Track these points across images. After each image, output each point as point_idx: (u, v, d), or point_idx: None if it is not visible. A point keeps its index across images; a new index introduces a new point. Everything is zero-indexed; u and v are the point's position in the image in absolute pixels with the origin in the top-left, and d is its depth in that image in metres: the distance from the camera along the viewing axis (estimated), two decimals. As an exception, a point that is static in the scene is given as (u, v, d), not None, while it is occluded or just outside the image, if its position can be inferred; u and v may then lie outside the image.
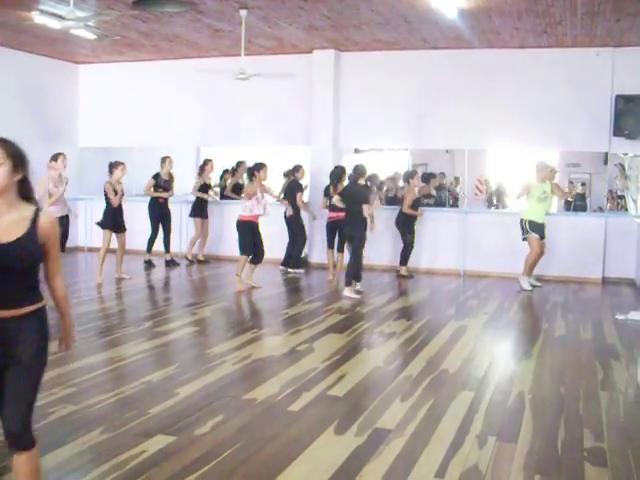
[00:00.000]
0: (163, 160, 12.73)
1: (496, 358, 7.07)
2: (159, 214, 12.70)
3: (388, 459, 4.26)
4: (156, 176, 12.62)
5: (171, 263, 12.86)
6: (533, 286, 11.01)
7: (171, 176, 12.78)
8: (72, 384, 5.56)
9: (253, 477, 4.02)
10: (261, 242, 10.41)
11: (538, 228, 10.81)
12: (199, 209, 13.40)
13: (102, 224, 10.81)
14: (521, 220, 10.89)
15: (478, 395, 5.59)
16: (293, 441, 4.57)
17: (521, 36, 11.31)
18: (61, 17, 8.37)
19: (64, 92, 14.75)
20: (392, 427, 4.81)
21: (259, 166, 10.51)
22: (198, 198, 13.36)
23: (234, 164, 14.38)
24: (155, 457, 4.19)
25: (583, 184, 15.28)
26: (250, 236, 10.32)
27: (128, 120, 14.52)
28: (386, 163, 17.80)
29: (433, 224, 12.84)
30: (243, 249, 10.34)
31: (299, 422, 4.95)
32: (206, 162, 13.42)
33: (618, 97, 11.52)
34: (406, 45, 12.33)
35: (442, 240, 12.69)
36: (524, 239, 10.90)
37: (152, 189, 12.61)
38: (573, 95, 11.89)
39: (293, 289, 11.13)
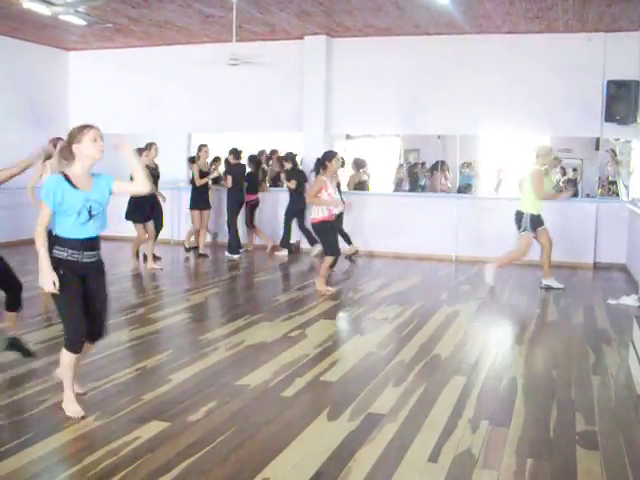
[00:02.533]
0: (149, 147, 11.09)
1: (488, 343, 7.08)
2: (149, 206, 10.97)
3: (381, 444, 4.27)
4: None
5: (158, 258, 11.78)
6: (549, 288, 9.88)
7: (156, 165, 11.28)
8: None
9: (247, 462, 4.03)
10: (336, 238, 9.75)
11: (539, 220, 9.68)
12: (198, 200, 12.44)
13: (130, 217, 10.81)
14: (520, 213, 9.64)
15: (470, 380, 5.62)
16: (286, 426, 4.58)
17: (513, 21, 11.30)
18: (50, 3, 8.32)
19: (54, 79, 14.69)
20: (385, 412, 4.83)
21: (330, 155, 9.32)
22: (197, 188, 12.36)
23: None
24: (149, 443, 4.20)
25: (574, 169, 15.31)
26: (332, 234, 9.48)
27: (119, 106, 14.47)
28: (378, 149, 17.81)
29: (425, 209, 12.88)
30: (329, 249, 9.39)
31: (292, 408, 4.96)
32: (200, 147, 12.44)
33: (610, 82, 11.53)
34: (398, 31, 12.31)
35: (434, 225, 12.70)
36: (523, 232, 9.66)
37: None
38: (565, 80, 11.90)
39: (285, 275, 11.15)
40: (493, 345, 7.03)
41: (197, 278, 11.08)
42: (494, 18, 11.14)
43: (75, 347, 4.57)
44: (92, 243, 4.57)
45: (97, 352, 6.20)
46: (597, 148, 13.46)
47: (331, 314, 8.16)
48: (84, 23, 10.28)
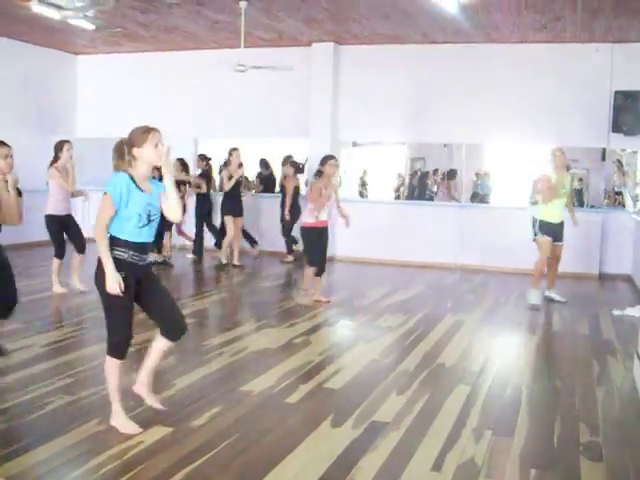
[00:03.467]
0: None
1: (493, 352, 7.06)
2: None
3: (385, 452, 4.27)
4: None
5: (162, 264, 11.46)
6: (551, 300, 9.55)
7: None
8: (69, 375, 5.56)
9: (250, 468, 4.03)
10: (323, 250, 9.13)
11: (550, 229, 9.16)
12: (231, 206, 12.00)
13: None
14: (532, 219, 9.33)
15: (474, 389, 5.60)
16: (290, 433, 4.57)
17: (521, 31, 11.31)
18: (59, 7, 8.35)
19: (62, 82, 14.74)
20: (389, 420, 4.82)
21: (324, 160, 9.06)
22: (228, 194, 11.92)
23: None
24: (152, 448, 4.20)
25: (580, 179, 15.28)
26: (315, 243, 8.98)
27: (126, 111, 14.47)
28: (384, 156, 17.82)
29: (430, 217, 12.90)
30: (309, 259, 9.09)
31: (296, 414, 4.96)
32: (231, 151, 11.92)
33: (617, 93, 11.53)
34: (405, 39, 12.32)
35: (439, 234, 12.70)
36: (533, 241, 9.36)
37: None
38: (572, 90, 11.90)
39: (289, 281, 11.15)
40: (497, 354, 7.01)
41: (200, 284, 11.08)
42: (502, 28, 11.16)
43: (120, 351, 4.45)
44: (146, 247, 4.51)
45: (100, 356, 6.21)
46: (603, 159, 13.44)
47: (335, 321, 8.16)
48: (93, 27, 10.30)
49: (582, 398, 5.49)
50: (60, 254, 8.96)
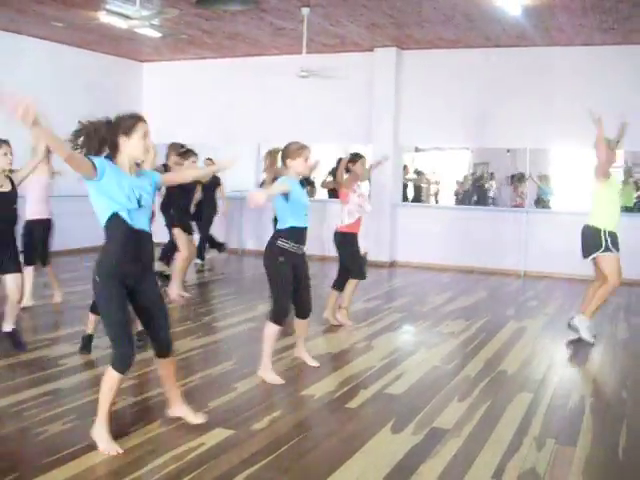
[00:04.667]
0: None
1: (556, 360, 6.95)
2: None
3: (445, 459, 4.24)
4: None
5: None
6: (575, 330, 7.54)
7: None
8: (132, 377, 5.64)
9: (310, 472, 4.04)
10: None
11: (617, 242, 7.34)
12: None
13: None
14: (596, 230, 7.31)
15: (537, 397, 5.53)
16: (350, 438, 4.58)
17: (586, 33, 11.12)
18: (127, 16, 8.52)
19: (128, 90, 15.03)
20: (449, 427, 4.78)
21: (356, 157, 8.09)
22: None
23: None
24: (213, 450, 4.25)
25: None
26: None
27: (190, 117, 14.72)
28: (447, 161, 17.75)
29: (491, 222, 12.79)
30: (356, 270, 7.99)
31: (356, 419, 4.96)
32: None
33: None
34: (468, 43, 12.23)
35: (502, 239, 12.56)
36: (593, 258, 7.39)
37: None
38: (639, 94, 11.62)
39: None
40: (560, 362, 6.90)
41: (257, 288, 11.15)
42: (567, 30, 10.98)
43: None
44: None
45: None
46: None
47: (397, 327, 8.14)
48: (159, 35, 10.48)
49: (649, 408, 5.37)
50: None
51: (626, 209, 14.26)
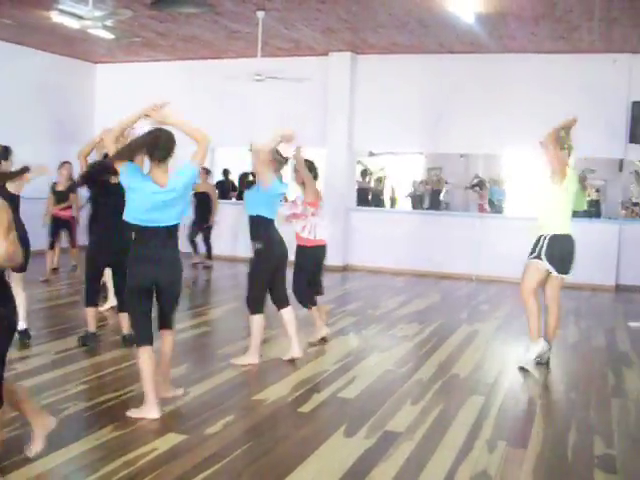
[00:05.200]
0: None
1: (507, 363, 7.02)
2: None
3: (397, 462, 4.26)
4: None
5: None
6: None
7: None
8: (84, 382, 5.59)
9: (263, 477, 4.04)
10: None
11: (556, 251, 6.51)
12: None
13: None
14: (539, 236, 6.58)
15: (488, 400, 5.59)
16: (303, 442, 4.58)
17: (538, 41, 11.29)
18: (79, 17, 8.42)
19: (81, 91, 14.85)
20: (402, 430, 4.81)
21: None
22: None
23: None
24: (166, 455, 4.21)
25: (597, 190, 15.24)
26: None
27: (144, 120, 14.56)
28: (401, 166, 17.85)
29: (444, 227, 12.90)
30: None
31: (309, 423, 4.97)
32: None
33: (635, 104, 11.47)
34: (422, 49, 12.34)
35: (455, 244, 12.67)
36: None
37: None
38: (589, 101, 11.82)
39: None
40: (512, 365, 6.96)
41: (213, 293, 11.10)
42: (519, 38, 11.15)
43: None
44: None
45: (115, 364, 6.25)
46: (621, 169, 13.41)
47: (350, 330, 8.16)
48: (112, 37, 10.36)
49: (597, 410, 5.46)
50: None
51: (577, 214, 14.50)
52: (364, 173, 16.33)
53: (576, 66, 11.94)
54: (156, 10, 9.85)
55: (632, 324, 8.84)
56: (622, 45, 11.21)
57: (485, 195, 15.47)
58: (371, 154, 17.00)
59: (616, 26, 10.08)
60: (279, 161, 6.44)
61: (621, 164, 13.28)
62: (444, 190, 17.25)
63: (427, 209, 16.16)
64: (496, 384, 6.08)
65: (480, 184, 15.56)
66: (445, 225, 13.11)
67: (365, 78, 13.17)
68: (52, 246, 10.75)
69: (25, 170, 6.34)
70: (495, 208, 15.65)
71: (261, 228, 6.28)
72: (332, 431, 4.75)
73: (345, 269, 13.17)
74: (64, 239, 11.07)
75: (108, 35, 10.08)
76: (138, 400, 5.15)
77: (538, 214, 6.76)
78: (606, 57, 11.73)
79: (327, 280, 11.89)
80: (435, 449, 4.48)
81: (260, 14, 10.07)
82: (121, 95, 14.77)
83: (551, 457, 4.46)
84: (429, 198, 17.09)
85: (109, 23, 9.15)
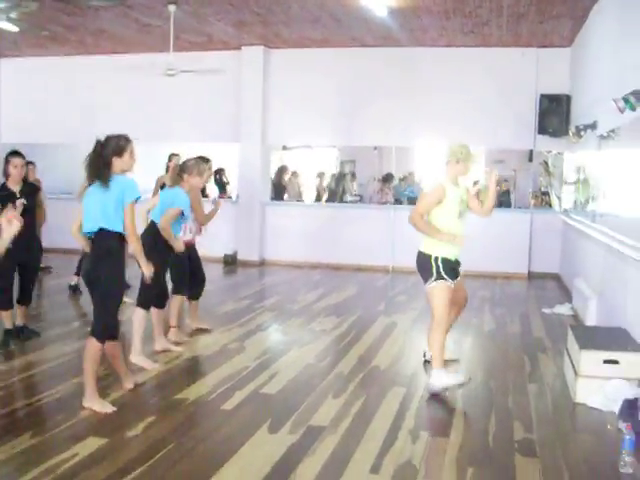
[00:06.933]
0: (170, 159, 9.71)
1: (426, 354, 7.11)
2: None
3: (323, 456, 4.26)
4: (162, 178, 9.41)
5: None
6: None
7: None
8: (-3, 387, 5.40)
9: (187, 477, 3.98)
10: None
11: (452, 268, 5.93)
12: None
13: None
14: (427, 257, 6.01)
15: (409, 391, 5.65)
16: (227, 440, 4.54)
17: (449, 35, 11.47)
18: (-18, 9, 8.13)
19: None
20: (326, 424, 4.82)
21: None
22: None
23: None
24: (87, 460, 4.10)
25: (506, 180, 15.53)
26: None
27: (53, 116, 14.18)
28: (315, 160, 17.87)
29: (362, 220, 12.99)
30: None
31: (232, 421, 4.92)
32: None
33: (542, 96, 11.77)
34: (335, 43, 12.36)
35: (371, 236, 12.77)
36: (430, 285, 5.89)
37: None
38: (499, 93, 12.12)
39: (222, 287, 11.06)
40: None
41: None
42: (430, 32, 11.29)
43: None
44: None
45: (28, 368, 6.07)
46: (530, 160, 13.75)
47: (269, 326, 8.14)
48: (16, 30, 10.03)
49: (515, 396, 5.58)
50: None
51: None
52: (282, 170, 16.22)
53: (486, 59, 12.17)
54: (63, 2, 9.58)
55: (545, 310, 9.07)
56: (530, 39, 11.49)
57: (387, 190, 15.50)
58: (284, 148, 16.95)
59: (524, 21, 10.32)
60: None
61: (530, 155, 13.62)
62: (354, 184, 17.26)
63: (339, 202, 16.19)
64: (416, 375, 6.15)
65: (385, 179, 15.63)
66: (359, 217, 13.19)
67: (278, 72, 13.13)
68: None
69: None
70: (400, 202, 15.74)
71: None
72: (255, 428, 4.72)
73: (261, 264, 13.12)
74: None
75: (12, 28, 9.76)
76: (55, 405, 5.03)
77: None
78: (515, 51, 12.00)
79: (243, 275, 11.93)
80: (359, 442, 4.50)
81: (171, 7, 9.89)
82: (27, 91, 14.39)
83: (473, 444, 4.55)
84: (341, 191, 17.05)
85: (14, 15, 8.85)
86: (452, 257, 5.94)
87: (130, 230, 4.96)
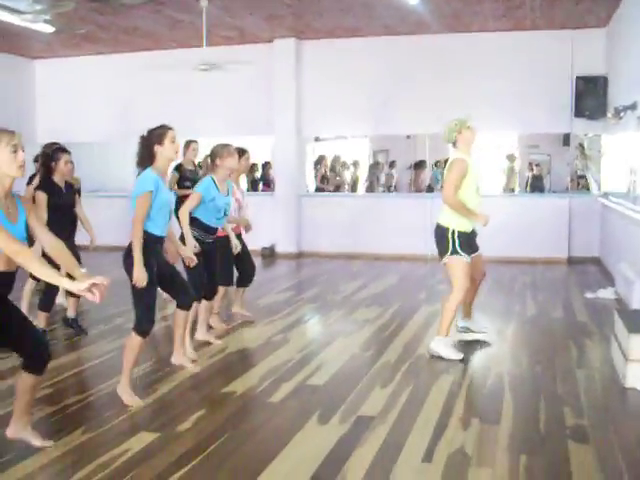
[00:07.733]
0: (187, 145, 9.21)
1: (471, 341, 7.06)
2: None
3: (374, 446, 4.26)
4: (178, 167, 9.12)
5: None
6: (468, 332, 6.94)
7: (196, 167, 9.51)
8: (47, 385, 5.43)
9: (240, 471, 3.99)
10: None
11: (469, 242, 6.33)
12: None
13: None
14: (444, 229, 6.22)
15: (457, 378, 5.63)
16: (277, 432, 4.56)
17: (480, 20, 11.36)
18: (19, 11, 8.20)
19: (20, 89, 14.45)
20: (375, 414, 4.81)
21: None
22: None
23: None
24: (140, 455, 4.14)
25: (537, 165, 15.37)
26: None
27: (87, 115, 14.31)
28: (349, 150, 17.84)
29: (398, 209, 12.96)
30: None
31: (281, 413, 4.93)
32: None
33: (578, 78, 11.62)
34: (367, 32, 12.31)
35: (408, 225, 12.70)
36: (444, 262, 6.33)
37: (177, 185, 8.89)
38: (534, 77, 11.98)
39: (262, 280, 11.08)
40: (476, 343, 7.00)
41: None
42: (462, 17, 11.19)
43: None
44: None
45: (77, 365, 6.14)
46: (567, 143, 13.59)
47: (311, 317, 8.15)
48: (52, 30, 10.08)
49: (563, 382, 5.53)
50: None
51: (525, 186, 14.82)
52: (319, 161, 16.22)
53: (520, 43, 12.02)
54: (96, 2, 9.63)
55: (588, 295, 8.97)
56: (564, 21, 11.33)
57: (421, 176, 15.44)
58: (317, 139, 16.92)
59: (558, 3, 10.18)
60: None
61: (566, 138, 13.47)
62: (393, 173, 17.24)
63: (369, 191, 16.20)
64: (463, 362, 6.11)
65: (418, 165, 15.57)
66: (396, 207, 13.15)
67: (310, 63, 13.11)
68: None
69: None
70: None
71: None
72: (305, 420, 4.72)
73: (299, 256, 13.14)
74: None
75: (49, 29, 9.82)
76: (105, 401, 5.09)
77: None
78: (549, 34, 11.85)
79: (282, 267, 11.96)
80: (410, 430, 4.49)
81: (203, 3, 9.91)
82: (63, 91, 14.51)
83: (524, 431, 4.51)
84: (377, 181, 17.04)
85: (48, 16, 8.91)
86: (469, 229, 6.32)
87: (133, 220, 5.00)
